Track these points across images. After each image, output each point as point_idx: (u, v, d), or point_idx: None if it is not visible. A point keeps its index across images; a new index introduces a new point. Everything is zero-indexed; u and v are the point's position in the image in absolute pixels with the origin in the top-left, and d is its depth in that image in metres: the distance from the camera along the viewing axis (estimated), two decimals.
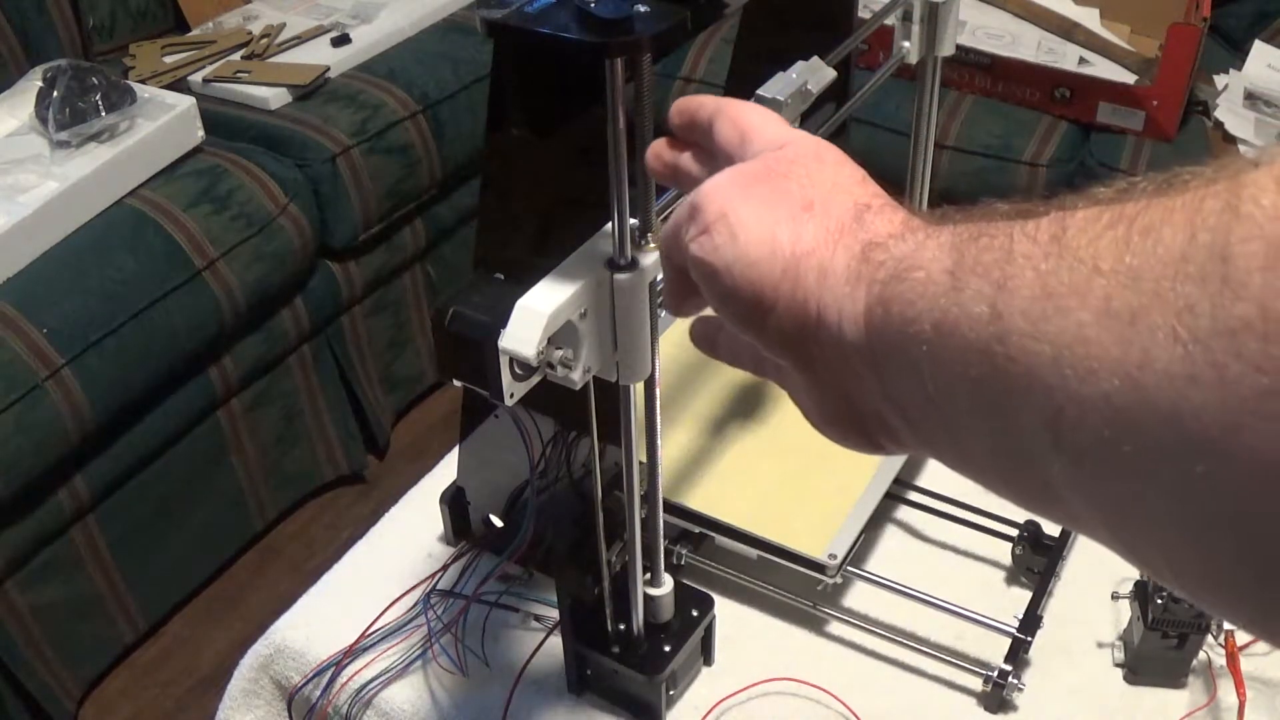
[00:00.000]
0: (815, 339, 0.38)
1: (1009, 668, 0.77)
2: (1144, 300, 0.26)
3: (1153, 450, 0.26)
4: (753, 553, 0.82)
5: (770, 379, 0.47)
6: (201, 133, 1.68)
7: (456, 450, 0.87)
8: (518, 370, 0.59)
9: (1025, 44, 1.88)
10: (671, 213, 0.48)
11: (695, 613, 0.78)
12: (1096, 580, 0.85)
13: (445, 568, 0.86)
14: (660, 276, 0.62)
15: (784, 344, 0.40)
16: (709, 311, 0.45)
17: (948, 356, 0.32)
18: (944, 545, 0.89)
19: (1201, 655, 0.78)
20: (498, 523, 0.85)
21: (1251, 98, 1.84)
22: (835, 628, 0.83)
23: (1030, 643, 0.78)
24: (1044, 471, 0.29)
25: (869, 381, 0.37)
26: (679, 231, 0.43)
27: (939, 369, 0.32)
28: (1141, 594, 0.78)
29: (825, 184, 0.41)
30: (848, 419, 0.40)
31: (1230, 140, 1.75)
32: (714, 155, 0.48)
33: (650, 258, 0.60)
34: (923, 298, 0.33)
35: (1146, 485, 0.26)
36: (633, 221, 0.59)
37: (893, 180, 1.09)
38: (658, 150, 0.51)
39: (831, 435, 0.42)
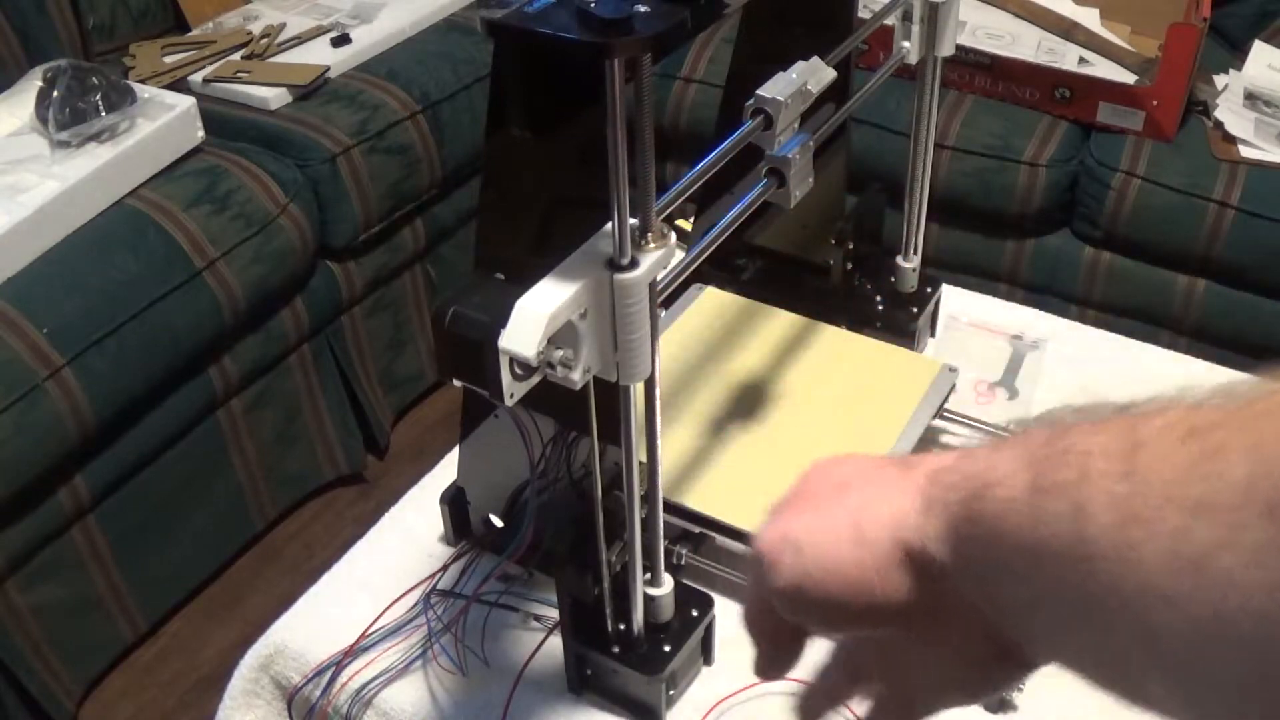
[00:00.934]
0: (916, 581, 0.38)
1: None
2: (1218, 534, 0.25)
3: (1242, 673, 0.25)
4: None
5: (880, 685, 0.46)
6: (201, 133, 1.68)
7: (456, 450, 0.87)
8: (518, 370, 0.59)
9: (1025, 44, 1.88)
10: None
11: (695, 613, 0.77)
12: None
13: (445, 568, 0.86)
14: (660, 276, 0.62)
15: (900, 611, 0.39)
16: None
17: (1041, 573, 0.31)
18: None
19: None
20: (498, 523, 0.85)
21: (1251, 98, 1.84)
22: None
23: None
24: (1146, 686, 0.29)
25: (976, 598, 0.36)
26: (758, 591, 0.44)
27: (1035, 587, 0.32)
28: None
29: (852, 468, 0.42)
30: (988, 652, 0.39)
31: (1230, 140, 1.75)
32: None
33: (650, 258, 0.60)
34: (1009, 512, 0.32)
35: (1237, 705, 0.26)
36: (633, 221, 0.59)
37: (893, 180, 1.09)
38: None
39: (976, 684, 0.41)
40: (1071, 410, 0.33)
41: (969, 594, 0.36)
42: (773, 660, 0.48)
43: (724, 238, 0.72)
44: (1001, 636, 0.37)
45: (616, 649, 0.76)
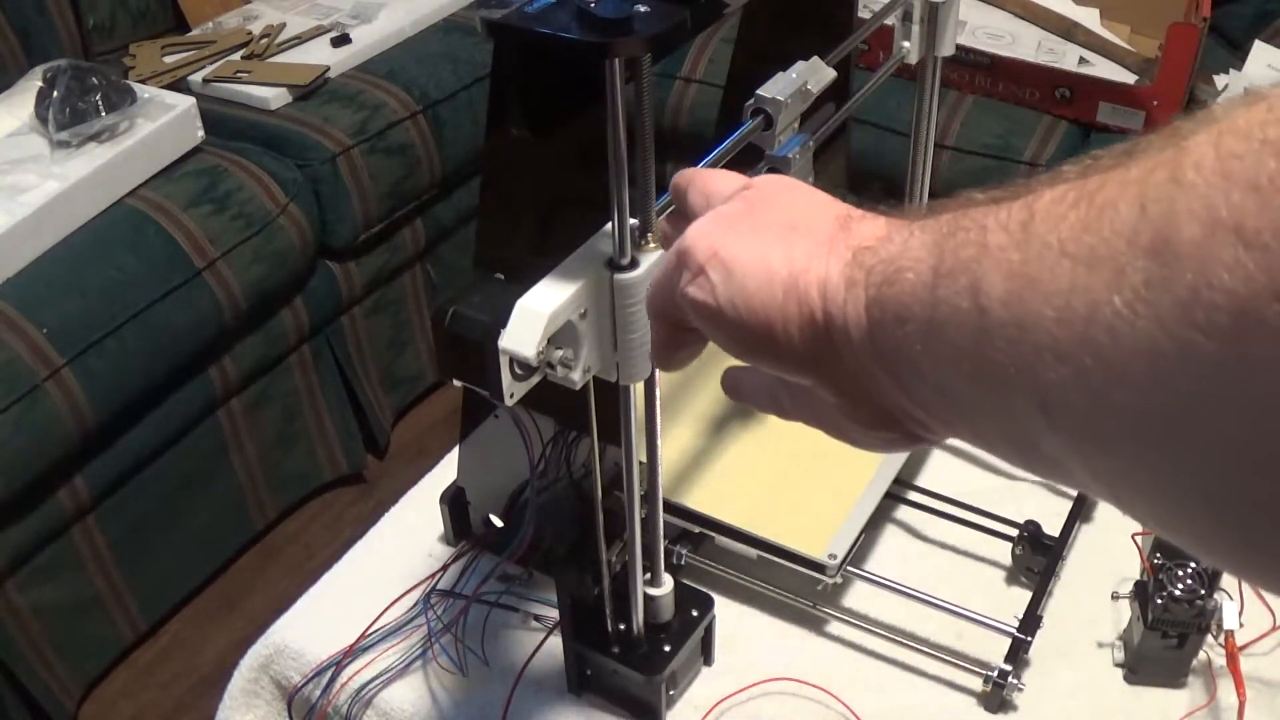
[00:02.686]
0: (829, 350, 0.39)
1: (1009, 668, 0.77)
2: (1105, 279, 0.26)
3: (1134, 422, 0.26)
4: (753, 553, 0.82)
5: (793, 418, 0.47)
6: (201, 133, 1.68)
7: (456, 450, 0.88)
8: (518, 370, 0.59)
9: (1025, 44, 1.88)
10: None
11: (695, 613, 0.78)
12: (1096, 580, 0.85)
13: (445, 568, 0.86)
14: None
15: (801, 364, 0.40)
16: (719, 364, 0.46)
17: (942, 352, 0.33)
18: (944, 545, 0.89)
19: (1201, 655, 0.78)
20: (498, 523, 0.85)
21: None
22: (835, 627, 0.83)
23: (1030, 643, 0.78)
24: (1048, 448, 0.30)
25: (884, 381, 0.37)
26: (669, 283, 0.43)
27: (937, 364, 0.33)
28: (1141, 594, 0.78)
29: (803, 206, 0.43)
30: (880, 420, 0.40)
31: None
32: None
33: (650, 258, 0.60)
34: (913, 298, 0.34)
35: (1132, 457, 0.27)
36: (633, 221, 0.59)
37: (893, 180, 1.09)
38: (660, 225, 0.53)
39: (870, 442, 0.43)
40: (982, 190, 0.34)
41: (876, 373, 0.37)
42: (667, 346, 0.48)
43: None
44: (894, 409, 0.39)
45: (616, 649, 0.76)
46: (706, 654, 0.81)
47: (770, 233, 0.41)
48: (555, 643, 0.81)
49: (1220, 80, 1.88)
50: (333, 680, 0.81)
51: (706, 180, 0.49)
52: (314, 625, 0.85)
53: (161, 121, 1.62)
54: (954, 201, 0.35)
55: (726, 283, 0.41)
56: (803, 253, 0.40)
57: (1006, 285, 0.30)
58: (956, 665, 0.80)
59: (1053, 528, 0.85)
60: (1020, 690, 0.77)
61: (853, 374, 0.39)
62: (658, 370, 0.65)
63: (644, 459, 0.68)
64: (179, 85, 1.82)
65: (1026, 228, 0.30)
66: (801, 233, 0.41)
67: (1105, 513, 0.90)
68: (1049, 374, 0.28)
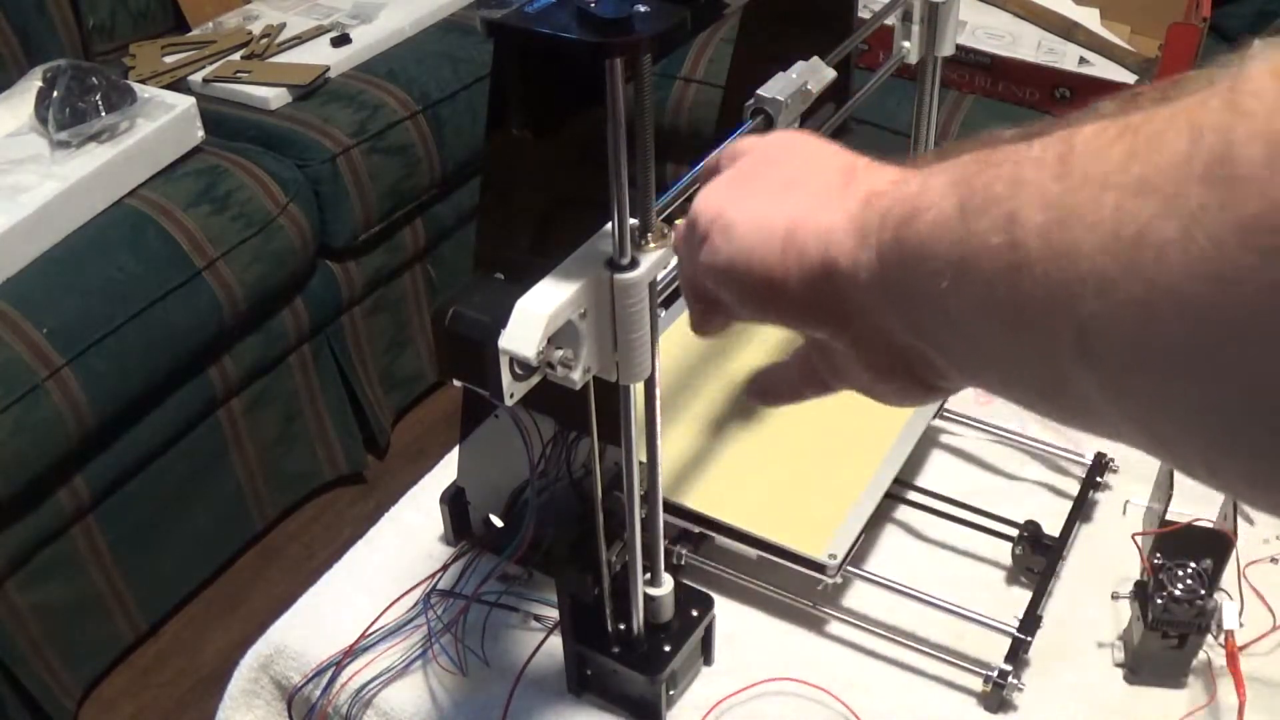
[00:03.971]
0: (835, 296, 0.39)
1: (1009, 668, 0.77)
2: (1156, 206, 0.26)
3: (1180, 349, 0.26)
4: (753, 553, 0.82)
5: (835, 386, 0.48)
6: (201, 133, 1.68)
7: (456, 450, 0.87)
8: (518, 370, 0.59)
9: (1025, 44, 1.88)
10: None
11: (695, 613, 0.77)
12: (1096, 580, 0.85)
13: (445, 568, 0.86)
14: (660, 275, 0.62)
15: (810, 315, 0.41)
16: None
17: (970, 290, 0.32)
18: (944, 545, 0.89)
19: (1201, 655, 0.78)
20: (498, 523, 0.85)
21: None
22: (835, 628, 0.83)
23: (1030, 643, 0.78)
24: (1078, 386, 0.30)
25: (896, 323, 0.37)
26: (690, 251, 0.45)
27: (964, 301, 0.33)
28: (1141, 594, 0.78)
29: (801, 164, 0.44)
30: (895, 368, 0.41)
31: None
32: None
33: (650, 258, 0.60)
34: (937, 237, 0.33)
35: (1176, 386, 0.27)
36: (633, 221, 0.59)
37: None
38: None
39: (888, 395, 0.43)
40: (1006, 129, 0.34)
41: (892, 318, 0.37)
42: (705, 317, 0.50)
43: None
44: (908, 359, 0.39)
45: (616, 649, 0.76)
46: (706, 654, 0.81)
47: (769, 191, 0.43)
48: (555, 643, 0.81)
49: None
50: (333, 680, 0.81)
51: (730, 148, 0.50)
52: (314, 625, 0.85)
53: (161, 121, 1.62)
54: (973, 141, 0.35)
55: (728, 242, 0.42)
56: (800, 206, 0.40)
57: (1044, 216, 0.29)
58: (956, 665, 0.80)
59: (1053, 528, 0.85)
60: (1020, 690, 0.77)
61: (864, 318, 0.39)
62: (658, 368, 0.65)
63: (644, 459, 0.68)
64: (179, 85, 1.82)
65: (1065, 160, 0.29)
66: (799, 187, 0.42)
67: (1105, 513, 0.90)
68: (1089, 305, 0.27)
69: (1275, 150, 0.23)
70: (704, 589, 0.80)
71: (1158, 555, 0.77)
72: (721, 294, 0.44)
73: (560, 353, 0.59)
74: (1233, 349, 0.25)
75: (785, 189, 0.42)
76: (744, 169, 0.46)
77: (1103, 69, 1.83)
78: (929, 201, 0.34)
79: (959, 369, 0.37)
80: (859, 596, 0.85)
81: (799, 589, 0.83)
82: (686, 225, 0.45)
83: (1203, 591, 0.75)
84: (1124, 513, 0.89)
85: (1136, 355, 0.27)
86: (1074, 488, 0.91)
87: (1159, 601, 0.75)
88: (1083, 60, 1.85)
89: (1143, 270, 0.26)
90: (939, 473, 0.94)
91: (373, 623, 0.83)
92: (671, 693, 0.78)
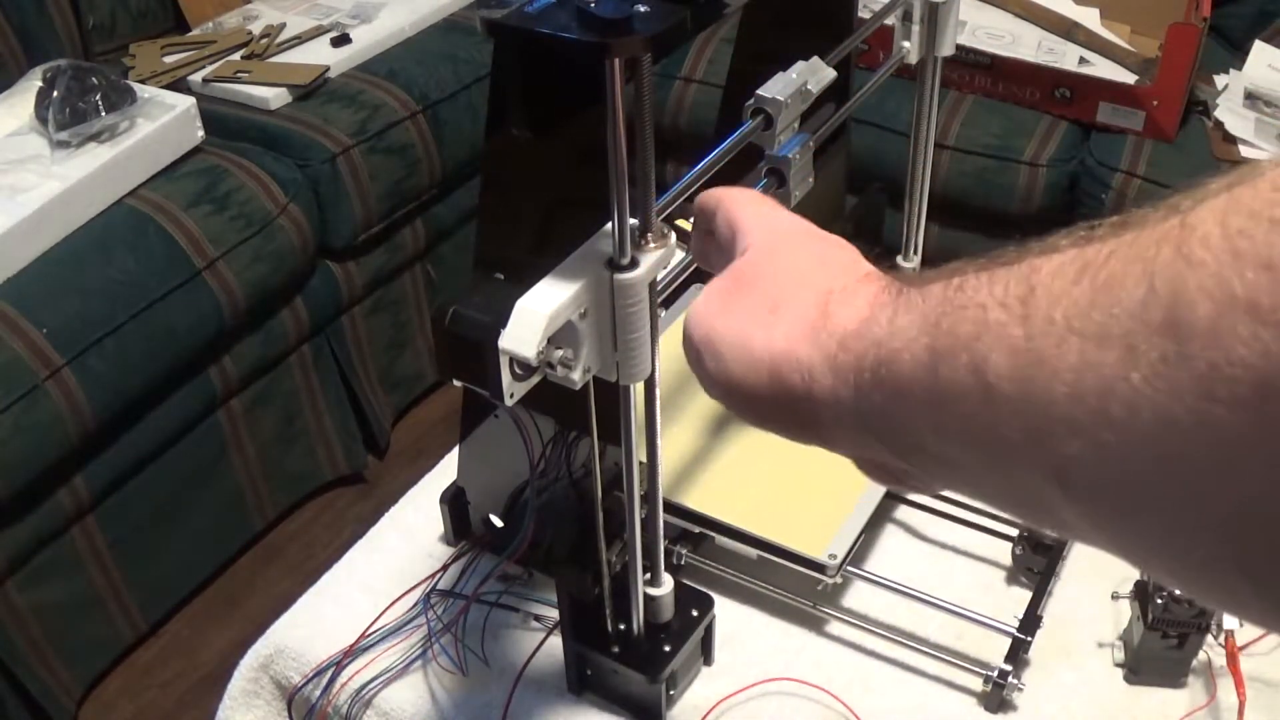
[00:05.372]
0: (818, 421, 0.41)
1: (1009, 668, 0.77)
2: (1118, 357, 0.26)
3: (1151, 491, 0.27)
4: (753, 553, 0.82)
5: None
6: (201, 133, 1.68)
7: (456, 450, 0.88)
8: (518, 370, 0.59)
9: (1025, 44, 1.88)
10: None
11: (695, 613, 0.77)
12: (1096, 580, 0.85)
13: (445, 568, 0.86)
14: (660, 276, 0.62)
15: (799, 432, 0.43)
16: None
17: (948, 426, 0.33)
18: (944, 545, 0.89)
19: (1201, 655, 0.78)
20: (498, 523, 0.85)
21: (1251, 98, 1.84)
22: (835, 628, 0.83)
23: (1030, 643, 0.78)
24: (1059, 513, 0.30)
25: (880, 450, 0.39)
26: (692, 362, 0.47)
27: (942, 438, 0.34)
28: (1141, 594, 0.78)
29: (788, 280, 0.45)
30: (881, 473, 0.43)
31: (1230, 140, 1.75)
32: (721, 246, 0.52)
33: (650, 258, 0.60)
34: (913, 379, 0.34)
35: (1150, 521, 0.27)
36: (633, 221, 0.59)
37: (893, 180, 1.09)
38: (694, 240, 0.57)
39: (869, 473, 0.45)
40: (969, 262, 0.35)
41: (873, 442, 0.39)
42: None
43: None
44: (889, 468, 0.41)
45: (616, 649, 0.76)
46: (706, 654, 0.81)
47: (754, 315, 0.44)
48: (555, 643, 0.81)
49: (1220, 80, 1.88)
50: (333, 680, 0.81)
51: (734, 208, 0.52)
52: (314, 625, 0.85)
53: (161, 121, 1.62)
54: (940, 272, 0.35)
55: (719, 367, 0.44)
56: (782, 338, 0.42)
57: (1012, 362, 0.29)
58: (956, 665, 0.80)
59: None
60: (1020, 690, 0.77)
61: (848, 439, 0.40)
62: (658, 368, 0.65)
63: (644, 459, 0.68)
64: (179, 85, 1.82)
65: (1026, 303, 0.30)
66: (783, 311, 0.43)
67: None
68: (1064, 447, 0.28)
69: (1224, 305, 0.24)
70: (704, 589, 0.80)
71: None
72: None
73: (560, 353, 0.59)
74: (1203, 489, 0.25)
75: (770, 312, 0.43)
76: (731, 282, 0.47)
77: (1103, 69, 1.83)
78: (900, 343, 0.35)
79: (939, 484, 0.39)
80: (859, 596, 0.85)
81: (799, 589, 0.83)
82: (685, 338, 0.47)
83: None
84: None
85: (1114, 494, 0.28)
86: None
87: (1159, 601, 0.75)
88: (1083, 60, 1.85)
89: (1111, 418, 0.27)
90: None
91: (373, 623, 0.83)
92: (671, 693, 0.78)
